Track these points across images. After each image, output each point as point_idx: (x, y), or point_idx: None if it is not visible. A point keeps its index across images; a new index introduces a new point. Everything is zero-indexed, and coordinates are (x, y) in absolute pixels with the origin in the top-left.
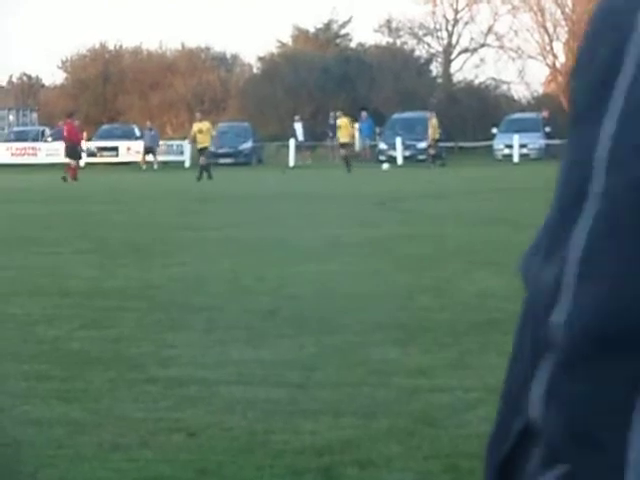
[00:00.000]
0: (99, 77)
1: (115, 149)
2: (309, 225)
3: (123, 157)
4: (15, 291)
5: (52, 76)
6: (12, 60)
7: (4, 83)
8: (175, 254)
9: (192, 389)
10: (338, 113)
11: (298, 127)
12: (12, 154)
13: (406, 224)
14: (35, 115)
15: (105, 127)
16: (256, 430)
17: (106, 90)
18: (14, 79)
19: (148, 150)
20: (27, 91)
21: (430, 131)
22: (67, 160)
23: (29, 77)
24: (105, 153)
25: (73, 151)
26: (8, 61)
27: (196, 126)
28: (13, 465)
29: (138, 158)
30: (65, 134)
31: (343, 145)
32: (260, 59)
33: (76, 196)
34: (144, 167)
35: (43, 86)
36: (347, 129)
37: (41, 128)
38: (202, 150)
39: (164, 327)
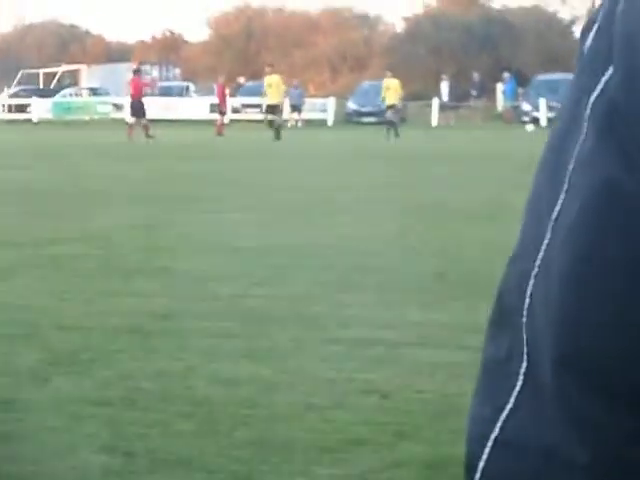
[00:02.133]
0: (242, 34)
1: (259, 106)
2: (467, 187)
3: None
4: (184, 248)
5: (196, 33)
6: (157, 17)
7: (148, 39)
8: (337, 215)
9: (377, 350)
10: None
11: (444, 86)
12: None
13: None
14: (178, 71)
15: (249, 84)
16: (447, 393)
17: (249, 47)
18: (157, 35)
19: (294, 108)
20: (170, 47)
21: None
22: (130, 118)
23: (172, 33)
24: (249, 110)
25: (137, 109)
26: (153, 18)
27: (266, 80)
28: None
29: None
30: (131, 91)
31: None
32: (405, 19)
33: (226, 153)
34: (289, 125)
35: (186, 42)
36: None
37: (185, 84)
38: (272, 107)
39: (337, 287)
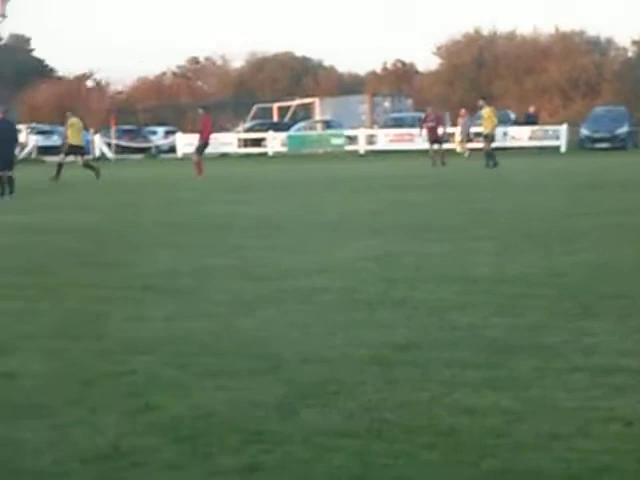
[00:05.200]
0: (473, 62)
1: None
2: None
3: (499, 142)
4: (421, 277)
5: (426, 62)
6: (386, 46)
7: (378, 69)
8: (574, 241)
9: (620, 377)
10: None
11: None
12: (390, 140)
13: None
14: (410, 101)
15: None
16: None
17: (480, 75)
18: (388, 65)
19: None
20: (401, 77)
21: None
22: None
23: (403, 63)
24: (480, 138)
25: (203, 147)
26: (382, 47)
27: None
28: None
29: (514, 143)
30: (200, 127)
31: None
32: (634, 43)
33: (451, 182)
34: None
35: (417, 72)
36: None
37: (417, 114)
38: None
39: (577, 315)
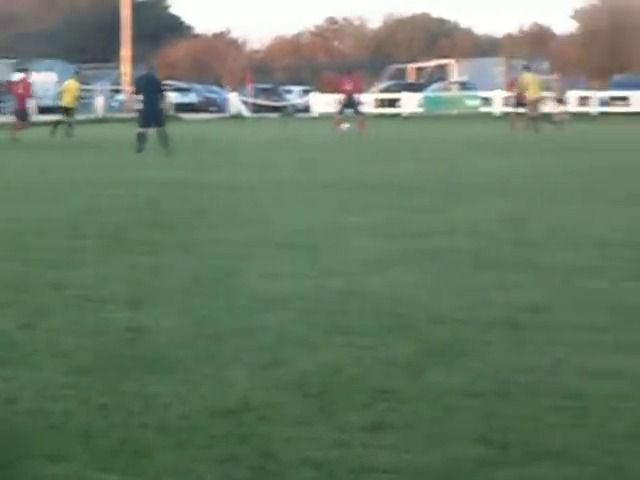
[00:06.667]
0: (610, 27)
1: (626, 99)
2: None
3: (635, 107)
4: (552, 241)
5: (563, 26)
6: (525, 10)
7: (515, 32)
8: None
9: None
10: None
11: None
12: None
13: None
14: (546, 64)
15: (617, 77)
16: None
17: (617, 40)
18: (525, 28)
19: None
20: (538, 40)
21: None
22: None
23: (540, 26)
24: (617, 102)
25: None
26: (521, 11)
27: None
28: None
29: None
30: (350, 87)
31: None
32: None
33: (579, 145)
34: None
35: (554, 36)
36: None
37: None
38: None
39: None
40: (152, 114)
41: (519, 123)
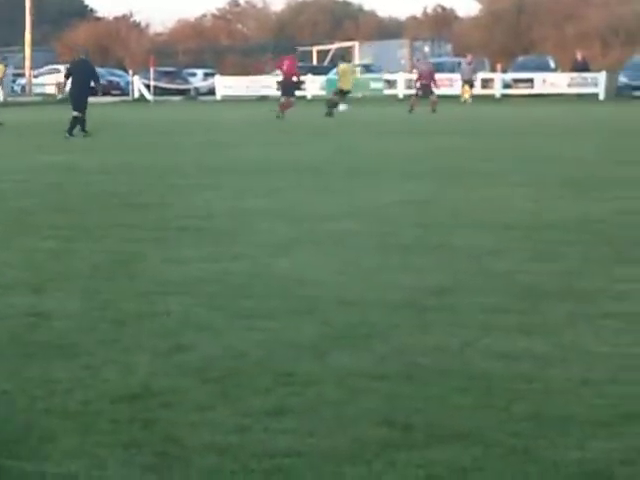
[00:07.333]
0: (513, 8)
1: (530, 81)
2: None
3: (538, 89)
4: (458, 224)
5: (467, 8)
6: None
7: (418, 14)
8: (612, 188)
9: None
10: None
11: None
12: None
13: None
14: (449, 46)
15: (521, 59)
16: None
17: (520, 21)
18: (428, 10)
19: (466, 82)
20: (441, 22)
21: None
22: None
23: (443, 8)
24: (520, 85)
25: (288, 87)
26: None
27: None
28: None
29: (553, 90)
30: (284, 69)
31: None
32: None
33: (488, 127)
34: (462, 100)
35: (457, 17)
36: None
37: (457, 60)
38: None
39: (611, 261)
40: (84, 98)
41: (418, 106)
